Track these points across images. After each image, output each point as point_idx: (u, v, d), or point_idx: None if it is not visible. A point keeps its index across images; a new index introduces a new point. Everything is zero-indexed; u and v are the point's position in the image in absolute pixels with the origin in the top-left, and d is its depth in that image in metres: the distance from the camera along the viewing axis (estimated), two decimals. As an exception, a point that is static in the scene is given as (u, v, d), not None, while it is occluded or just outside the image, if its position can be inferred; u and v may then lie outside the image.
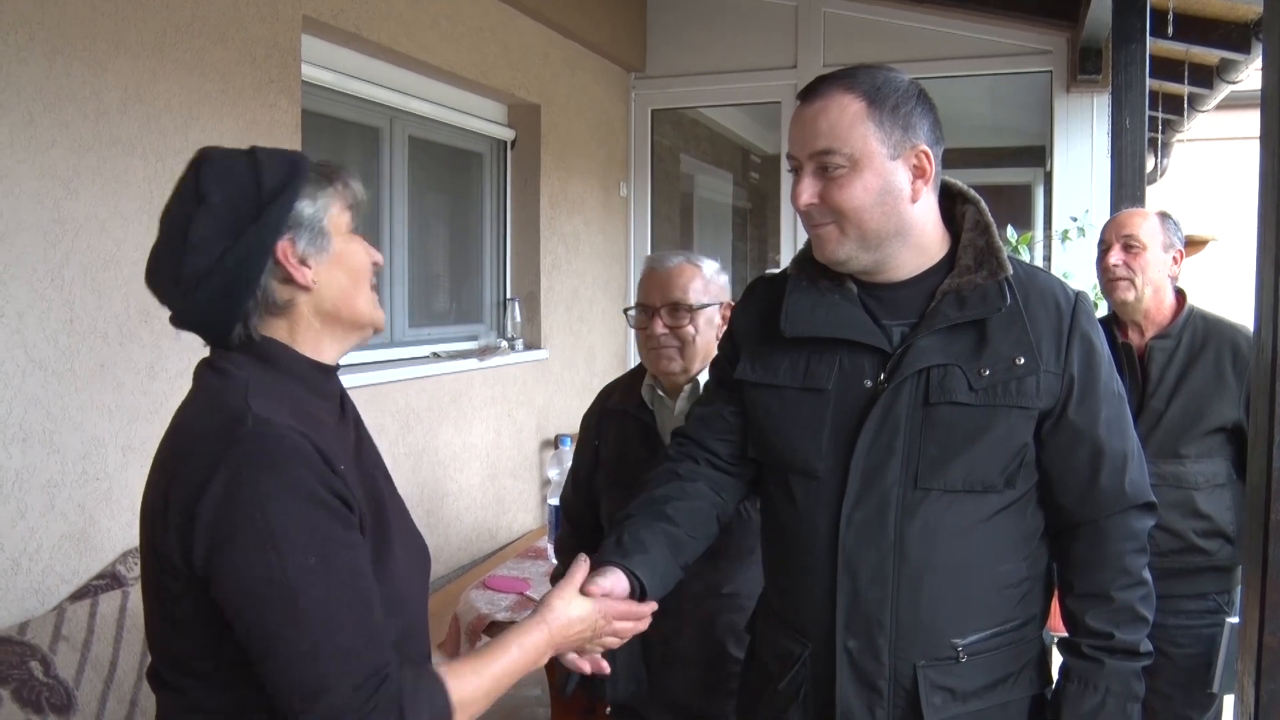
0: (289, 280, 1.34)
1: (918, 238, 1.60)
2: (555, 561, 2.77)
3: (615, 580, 1.61)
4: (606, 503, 2.37)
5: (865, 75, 1.57)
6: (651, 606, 1.65)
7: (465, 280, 5.28)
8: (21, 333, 2.62)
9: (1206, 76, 5.67)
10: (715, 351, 2.31)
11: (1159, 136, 7.37)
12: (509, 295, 5.46)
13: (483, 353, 4.96)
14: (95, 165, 2.82)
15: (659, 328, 2.27)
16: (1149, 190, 4.53)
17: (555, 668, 2.19)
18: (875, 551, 1.57)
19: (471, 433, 4.75)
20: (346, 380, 4.11)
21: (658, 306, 2.29)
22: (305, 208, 1.35)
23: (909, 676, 1.57)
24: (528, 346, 5.36)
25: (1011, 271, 1.59)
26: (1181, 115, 6.64)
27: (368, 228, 4.37)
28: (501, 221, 5.45)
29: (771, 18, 6.20)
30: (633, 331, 2.42)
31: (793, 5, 6.16)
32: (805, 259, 1.70)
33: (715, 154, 7.95)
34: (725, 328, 2.30)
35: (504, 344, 5.24)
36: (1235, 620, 1.68)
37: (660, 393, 2.35)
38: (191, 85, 3.15)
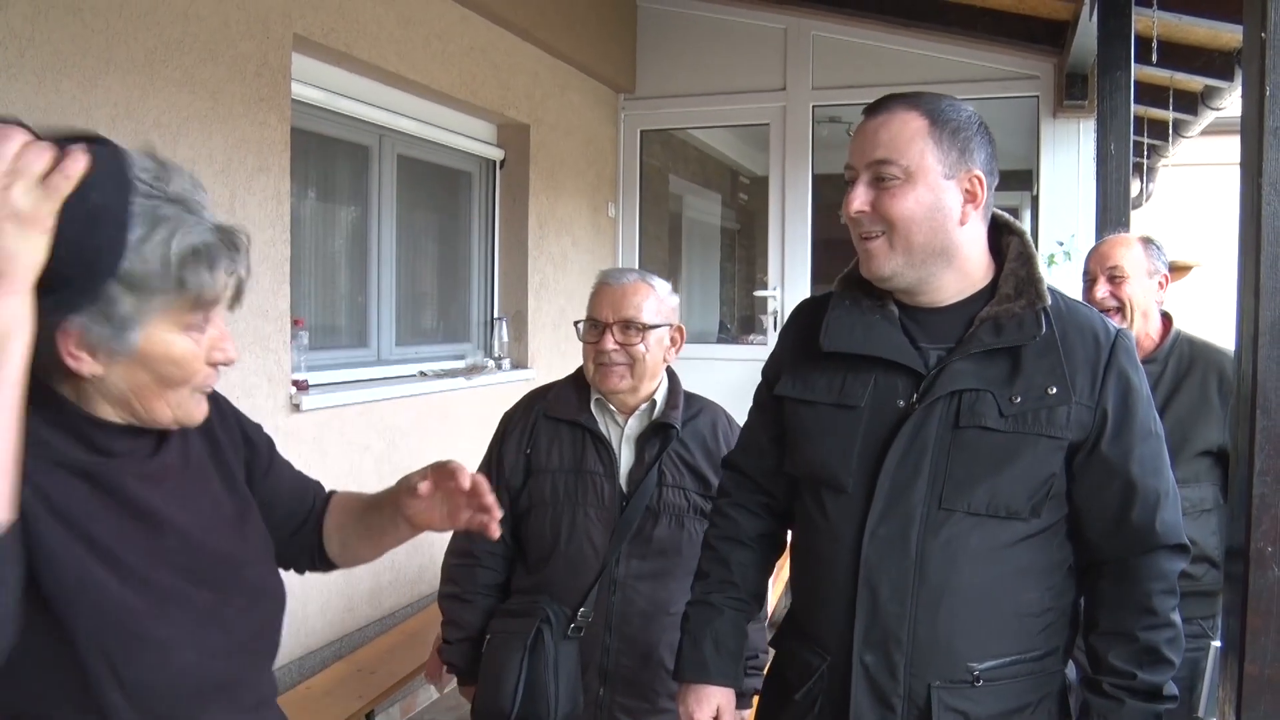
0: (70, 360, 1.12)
1: (962, 262, 1.61)
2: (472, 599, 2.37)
3: (721, 699, 1.85)
4: (545, 516, 2.26)
5: (930, 98, 1.60)
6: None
7: (453, 299, 5.29)
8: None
9: (1191, 102, 5.73)
10: (663, 374, 2.34)
11: (1144, 161, 7.44)
12: (496, 314, 5.46)
13: (470, 371, 4.96)
14: None
15: (609, 344, 2.25)
16: (1134, 214, 4.56)
17: (480, 697, 2.19)
18: (896, 567, 1.58)
19: (458, 451, 4.70)
20: (332, 398, 4.09)
21: (610, 322, 2.26)
22: (122, 303, 1.10)
23: (923, 696, 1.57)
24: (515, 366, 5.36)
25: (1050, 302, 1.60)
26: (1166, 140, 6.69)
27: (356, 247, 4.38)
28: (490, 241, 5.46)
29: (760, 40, 6.24)
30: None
31: (781, 28, 6.20)
32: (851, 278, 1.72)
33: (704, 175, 7.98)
34: (676, 351, 2.35)
35: (491, 363, 5.24)
36: (1220, 644, 1.67)
37: (611, 408, 2.32)
38: (181, 102, 3.15)
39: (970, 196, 1.58)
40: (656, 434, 2.29)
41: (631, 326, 2.25)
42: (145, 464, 1.24)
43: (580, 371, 2.37)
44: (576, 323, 2.36)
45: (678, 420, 2.30)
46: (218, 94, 3.29)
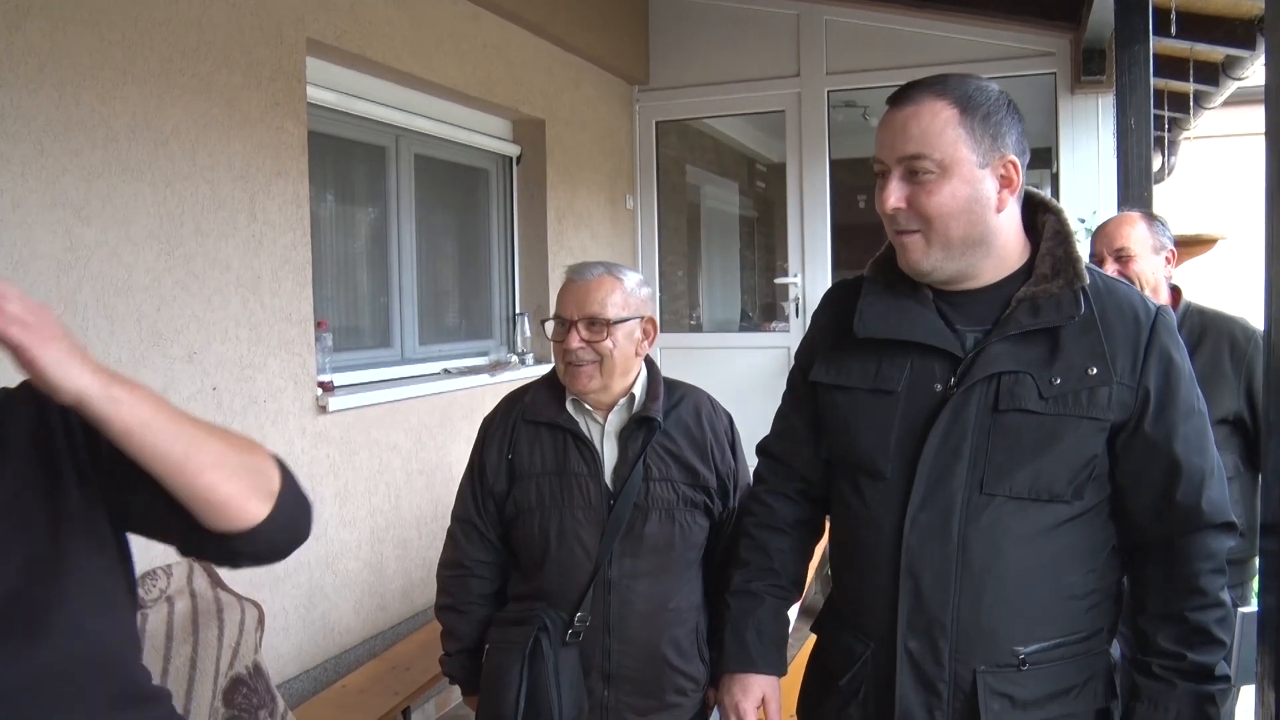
0: None
1: (1000, 247, 1.59)
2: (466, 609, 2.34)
3: (766, 688, 1.86)
4: (533, 521, 2.22)
5: (957, 83, 1.56)
6: None
7: (474, 296, 5.30)
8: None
9: (1212, 74, 5.66)
10: (636, 367, 2.27)
11: (1165, 135, 7.36)
12: (518, 310, 5.47)
13: (493, 368, 4.97)
14: (105, 192, 2.84)
15: (575, 341, 2.18)
16: (1156, 189, 4.52)
17: (483, 708, 2.18)
18: (939, 553, 1.57)
19: (484, 448, 4.75)
20: (358, 398, 4.12)
21: (575, 319, 2.19)
22: None
23: (969, 680, 1.57)
24: (538, 361, 5.36)
25: (1088, 281, 1.58)
26: (1188, 113, 6.62)
27: (376, 248, 4.40)
28: (509, 237, 5.47)
29: (773, 27, 6.22)
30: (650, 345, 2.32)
31: (794, 14, 6.17)
32: (884, 261, 1.70)
33: (721, 164, 7.97)
34: (650, 343, 2.28)
35: (514, 359, 5.25)
36: (1249, 609, 1.65)
37: (587, 406, 2.25)
38: (198, 110, 3.17)
39: (1006, 182, 1.56)
40: (639, 428, 2.22)
41: (596, 323, 2.18)
42: None
43: (554, 371, 2.31)
44: (543, 321, 2.29)
45: (659, 412, 2.23)
46: (234, 100, 3.31)
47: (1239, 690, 2.64)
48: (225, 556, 1.29)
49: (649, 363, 2.32)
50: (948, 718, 1.58)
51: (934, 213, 1.54)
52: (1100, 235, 2.91)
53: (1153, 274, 2.78)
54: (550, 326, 2.27)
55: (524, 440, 2.25)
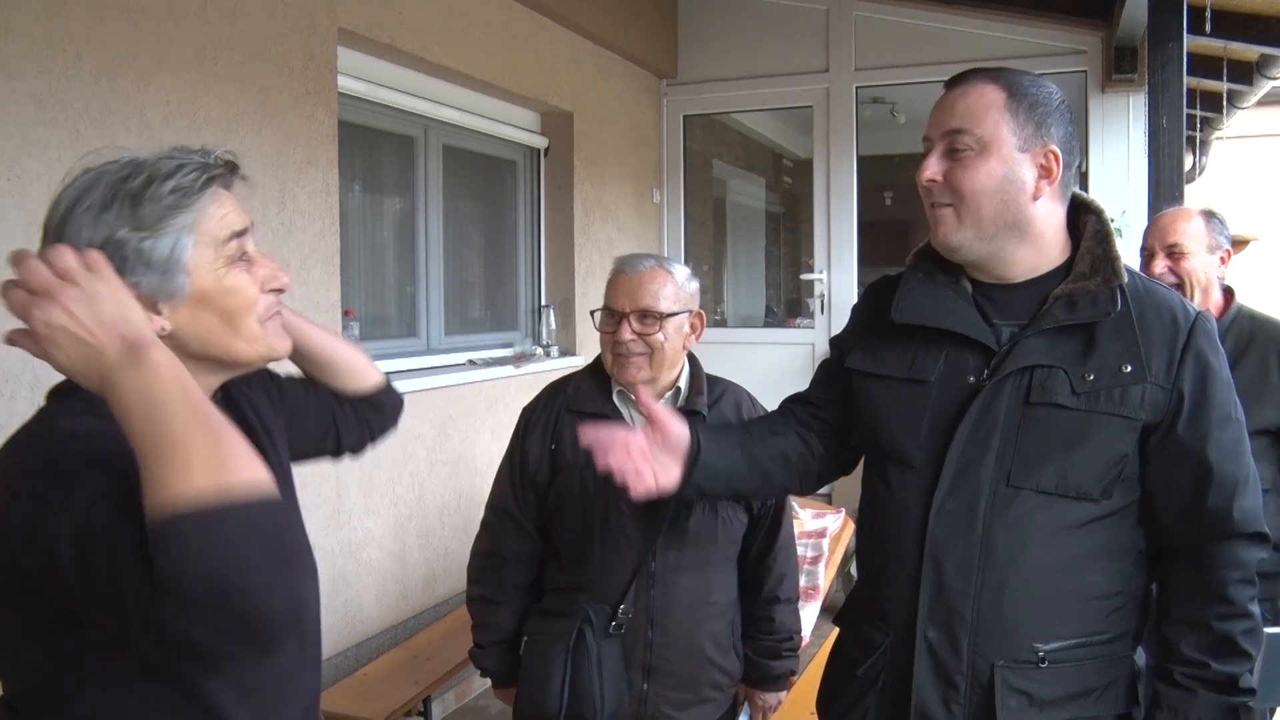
0: None
1: (1036, 238, 1.60)
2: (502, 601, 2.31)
3: (676, 425, 1.76)
4: (577, 513, 2.20)
5: (1012, 72, 1.59)
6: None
7: (500, 287, 5.32)
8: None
9: (1246, 73, 5.60)
10: (683, 360, 2.27)
11: (1197, 134, 7.30)
12: (544, 302, 5.48)
13: (518, 359, 4.99)
14: None
15: (627, 334, 2.17)
16: (1188, 189, 4.48)
17: (523, 700, 2.17)
18: (962, 543, 1.57)
19: (508, 439, 4.76)
20: (385, 388, 4.09)
21: (627, 312, 2.18)
22: (155, 245, 1.14)
23: (986, 674, 1.56)
24: (563, 353, 5.38)
25: (1126, 280, 1.58)
26: (1220, 112, 6.56)
27: (403, 238, 4.42)
28: (536, 229, 5.48)
29: (802, 22, 6.20)
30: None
31: (824, 9, 6.15)
32: (924, 252, 1.71)
33: (747, 159, 7.95)
34: (697, 338, 2.28)
35: (539, 350, 5.27)
36: (1276, 630, 1.62)
37: (633, 399, 2.22)
38: (231, 98, 3.20)
39: (1045, 172, 1.56)
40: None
41: (649, 315, 2.17)
42: None
43: (599, 362, 2.30)
44: (593, 312, 2.29)
45: (704, 406, 2.23)
46: (266, 89, 3.33)
47: (1270, 711, 2.60)
48: (366, 426, 1.71)
49: (691, 358, 2.32)
50: (964, 711, 1.58)
51: (967, 188, 1.55)
52: (1153, 229, 2.81)
53: (1204, 273, 2.69)
54: (599, 317, 2.26)
55: (568, 431, 2.22)
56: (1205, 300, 2.70)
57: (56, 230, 1.14)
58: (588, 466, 2.17)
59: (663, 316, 2.18)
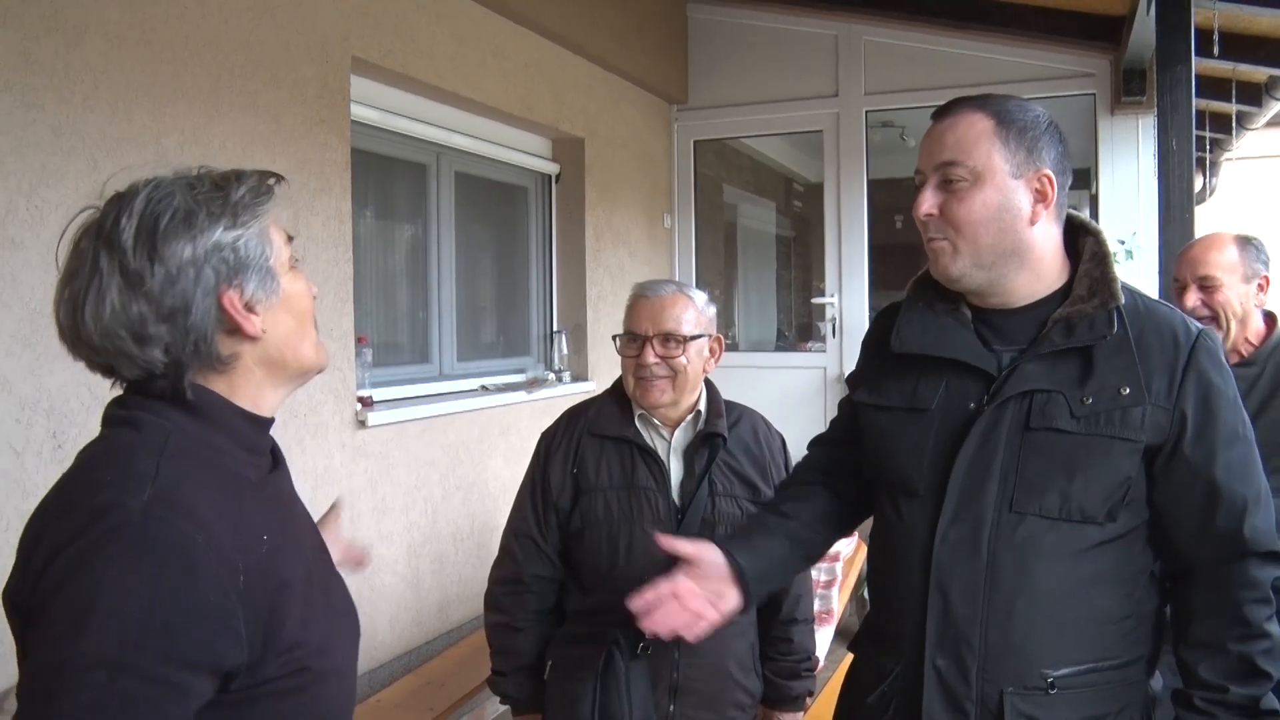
0: (236, 331, 1.17)
1: (1034, 263, 1.60)
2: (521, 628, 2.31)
3: (708, 552, 1.73)
4: (601, 536, 2.22)
5: (998, 99, 1.60)
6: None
7: (512, 313, 5.34)
8: (85, 372, 2.67)
9: (1255, 94, 5.62)
10: (701, 384, 2.30)
11: (1206, 155, 7.31)
12: (555, 328, 5.50)
13: (530, 385, 5.00)
14: None
15: (650, 357, 2.21)
16: (1198, 210, 4.47)
17: (550, 708, 2.17)
18: (968, 570, 1.56)
19: (521, 465, 4.72)
20: (397, 414, 4.15)
21: (650, 335, 2.23)
22: (249, 244, 1.17)
23: (995, 701, 1.55)
24: (575, 378, 5.39)
25: (1123, 301, 1.58)
26: (1230, 134, 6.57)
27: (416, 264, 4.45)
28: (547, 254, 5.50)
29: (812, 47, 6.24)
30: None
31: (833, 34, 6.19)
32: (924, 281, 1.72)
33: (758, 183, 7.98)
34: (716, 361, 2.32)
35: (551, 376, 5.28)
36: None
37: (655, 422, 2.28)
38: (246, 126, 3.23)
39: (1040, 196, 1.57)
40: (704, 444, 2.26)
41: (672, 339, 2.22)
42: (269, 480, 1.27)
43: (619, 386, 2.33)
44: (615, 336, 2.33)
45: (724, 429, 2.27)
46: (280, 117, 3.37)
47: None
48: None
49: (708, 382, 2.36)
50: None
51: (963, 219, 1.56)
52: (1184, 260, 2.71)
53: (1240, 304, 2.60)
54: (620, 342, 2.30)
55: (589, 454, 2.26)
56: (1243, 331, 2.62)
57: (146, 246, 1.12)
58: (611, 489, 2.22)
59: (685, 340, 2.23)
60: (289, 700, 1.15)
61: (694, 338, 2.25)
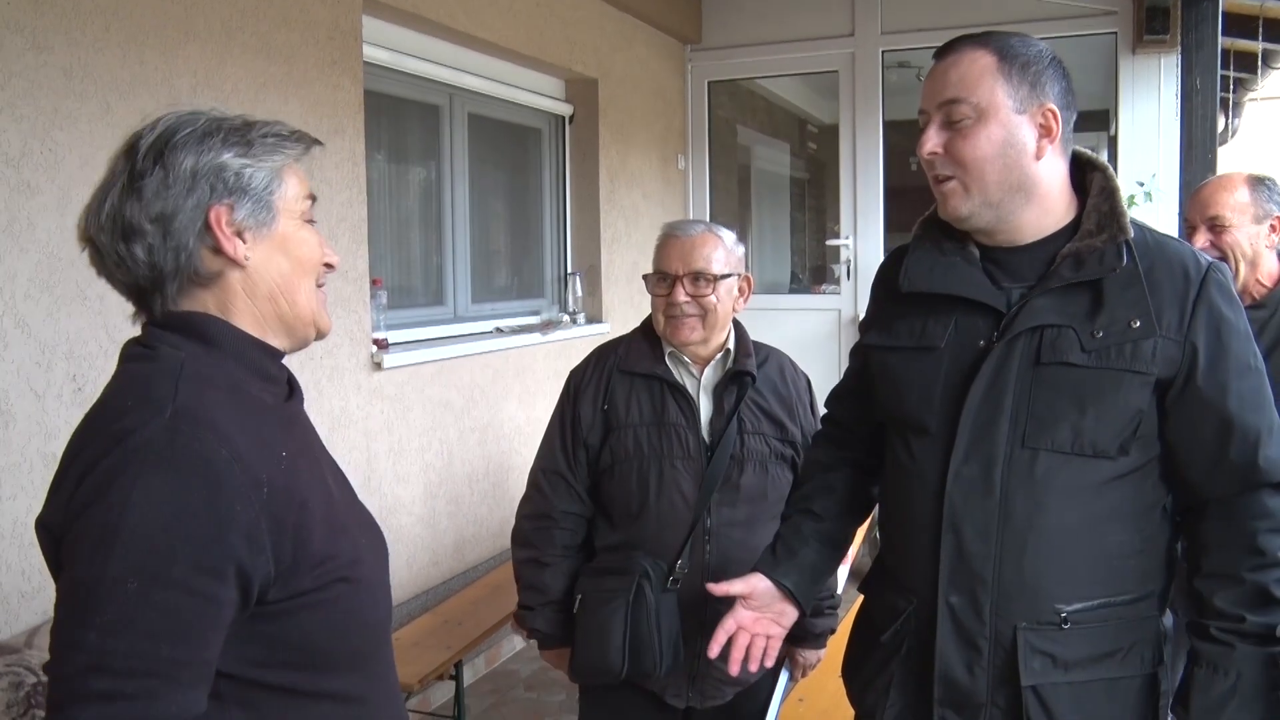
0: (220, 252, 1.20)
1: (1041, 198, 1.59)
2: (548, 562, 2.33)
3: (757, 582, 1.80)
4: (631, 471, 2.26)
5: (999, 35, 1.58)
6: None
7: (526, 255, 5.33)
8: (103, 314, 2.70)
9: (1281, 32, 5.52)
10: (729, 322, 2.33)
11: (1230, 95, 7.19)
12: (570, 269, 5.49)
13: (545, 327, 5.01)
14: None
15: (681, 295, 2.24)
16: (1220, 151, 4.42)
17: (582, 657, 2.21)
18: (980, 508, 1.57)
19: (536, 407, 4.80)
20: (412, 356, 4.18)
21: (680, 275, 2.25)
22: (255, 174, 1.21)
23: (1009, 637, 1.57)
24: (589, 320, 5.39)
25: (1132, 235, 1.57)
26: (1255, 73, 6.46)
27: (429, 207, 4.44)
28: (561, 196, 5.48)
29: (828, -15, 6.13)
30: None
31: (849, -28, 6.08)
32: (930, 220, 1.71)
33: (772, 125, 7.90)
34: (745, 301, 2.35)
35: (566, 318, 5.29)
36: None
37: (685, 360, 2.31)
38: (258, 69, 3.21)
39: (1045, 130, 1.55)
40: (733, 382, 2.29)
41: (702, 278, 2.25)
42: (286, 407, 1.30)
43: (648, 325, 2.36)
44: (645, 275, 2.35)
45: (753, 368, 2.30)
46: (292, 59, 3.34)
47: None
48: None
49: (736, 322, 2.38)
50: (988, 674, 1.58)
51: (969, 156, 1.55)
52: (1194, 201, 2.68)
53: (1250, 245, 2.57)
54: (651, 281, 2.32)
55: (620, 391, 2.30)
56: (1253, 273, 2.59)
57: (154, 152, 1.18)
58: (641, 425, 2.26)
59: (715, 279, 2.25)
60: (328, 610, 1.19)
61: (724, 276, 2.27)
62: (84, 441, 1.13)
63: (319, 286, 1.31)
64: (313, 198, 1.29)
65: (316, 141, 1.30)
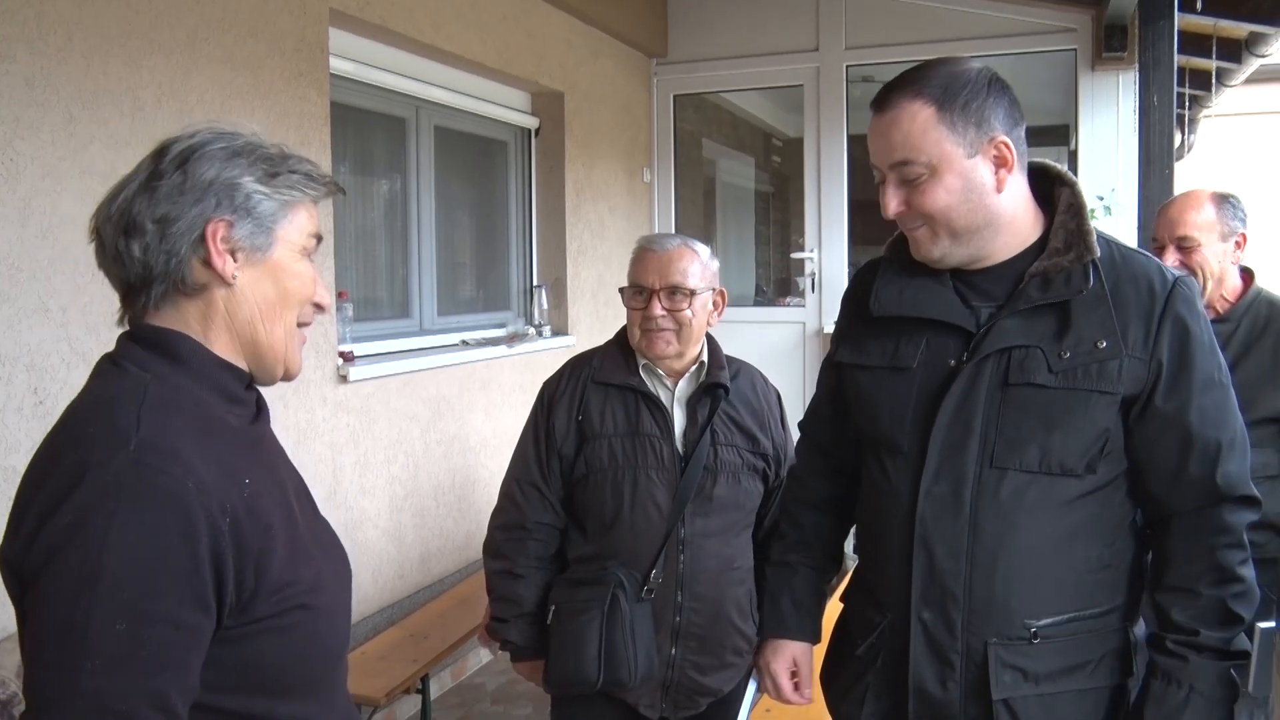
0: (208, 264, 1.20)
1: (1008, 224, 1.60)
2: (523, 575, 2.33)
3: (798, 653, 1.93)
4: (606, 482, 2.27)
5: (933, 77, 1.56)
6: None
7: (492, 268, 5.32)
8: (65, 326, 2.67)
9: (1235, 50, 5.62)
10: (703, 336, 2.35)
11: (1186, 112, 7.32)
12: (535, 282, 5.49)
13: (511, 339, 5.00)
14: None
15: (657, 309, 2.26)
16: (1177, 166, 4.50)
17: (556, 669, 2.22)
18: (951, 526, 1.59)
19: (502, 419, 4.79)
20: (378, 369, 4.15)
21: (657, 288, 2.27)
22: (264, 201, 1.23)
23: (980, 652, 1.59)
24: (555, 333, 5.39)
25: (1099, 254, 1.58)
26: (1209, 90, 6.58)
27: (395, 219, 4.43)
28: (527, 209, 5.48)
29: (792, 1, 6.18)
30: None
31: (814, -13, 6.13)
32: (899, 241, 1.72)
33: (738, 138, 7.95)
34: (719, 315, 2.37)
35: (531, 330, 5.28)
36: (1268, 625, 1.61)
37: (659, 372, 2.33)
38: (223, 80, 3.19)
39: (1000, 162, 1.56)
40: (706, 394, 2.31)
41: (678, 292, 2.27)
42: (252, 429, 1.29)
43: (622, 336, 2.38)
44: (622, 289, 2.37)
45: (726, 380, 2.32)
46: (258, 70, 3.33)
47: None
48: None
49: (709, 336, 2.41)
50: (960, 688, 1.61)
51: (931, 209, 1.56)
52: (1162, 220, 2.69)
53: (1218, 263, 2.60)
54: (627, 294, 2.34)
55: (594, 402, 2.31)
56: (1219, 289, 2.62)
57: (181, 158, 1.20)
58: (615, 436, 2.27)
59: (691, 293, 2.28)
60: (286, 637, 1.19)
61: (699, 291, 2.29)
62: (46, 469, 1.12)
63: (302, 325, 1.31)
64: (319, 237, 1.30)
65: (341, 190, 1.33)
